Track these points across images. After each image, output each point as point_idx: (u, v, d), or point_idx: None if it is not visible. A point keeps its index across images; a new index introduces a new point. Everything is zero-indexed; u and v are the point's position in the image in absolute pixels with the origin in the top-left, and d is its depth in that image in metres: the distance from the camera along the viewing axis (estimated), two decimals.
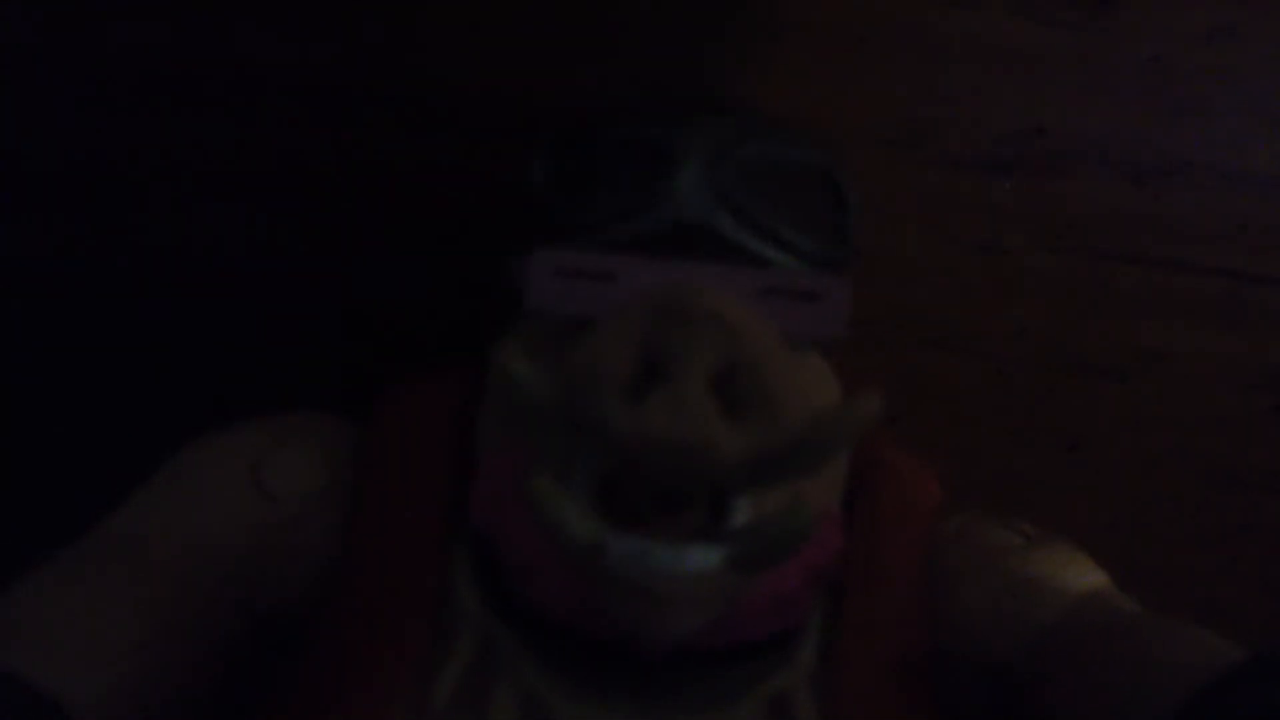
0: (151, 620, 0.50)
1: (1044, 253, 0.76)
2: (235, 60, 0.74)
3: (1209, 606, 0.80)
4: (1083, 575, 0.58)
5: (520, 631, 0.53)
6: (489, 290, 0.76)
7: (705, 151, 0.54)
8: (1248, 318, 0.76)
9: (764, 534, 0.46)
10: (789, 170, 0.56)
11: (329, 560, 0.57)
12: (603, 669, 0.52)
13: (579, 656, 0.52)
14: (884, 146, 0.74)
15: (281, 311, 0.79)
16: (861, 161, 0.74)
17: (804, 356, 0.55)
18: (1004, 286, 0.76)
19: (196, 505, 0.56)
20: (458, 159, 0.75)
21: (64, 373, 0.80)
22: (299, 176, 0.76)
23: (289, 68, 0.74)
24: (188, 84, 0.74)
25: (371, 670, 0.52)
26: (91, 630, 0.48)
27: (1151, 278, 0.76)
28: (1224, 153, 0.74)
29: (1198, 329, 0.77)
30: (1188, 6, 0.71)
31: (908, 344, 0.78)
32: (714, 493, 0.48)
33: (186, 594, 0.53)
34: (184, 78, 0.74)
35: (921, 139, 0.74)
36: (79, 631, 0.48)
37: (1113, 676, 0.48)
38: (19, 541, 0.62)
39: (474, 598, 0.54)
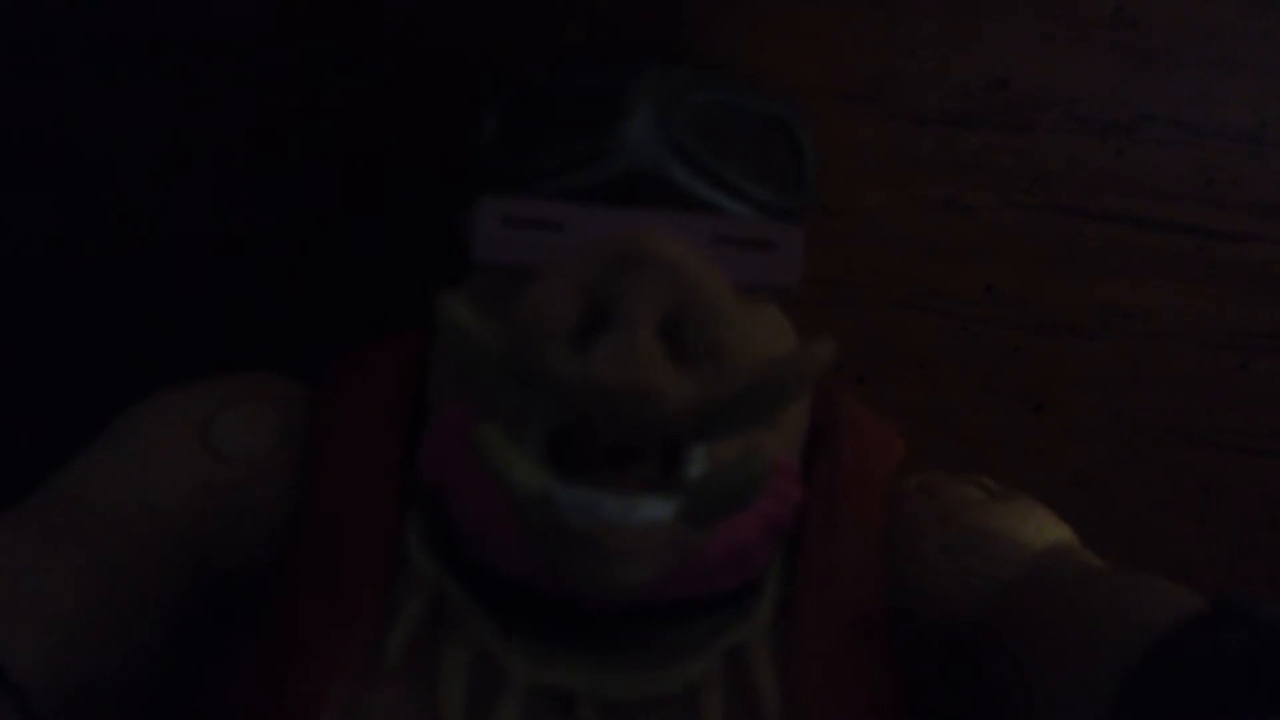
0: (98, 582, 0.49)
1: (1009, 209, 0.75)
2: (189, 26, 0.72)
3: (1177, 566, 0.79)
4: (1044, 530, 0.57)
5: (472, 589, 0.52)
6: (445, 252, 0.74)
7: (656, 99, 0.53)
8: (1215, 274, 0.76)
9: (716, 484, 0.45)
10: (743, 118, 0.55)
11: (281, 522, 0.56)
12: (555, 626, 0.51)
13: (531, 613, 0.51)
14: (846, 101, 0.73)
15: (237, 277, 0.78)
16: (824, 116, 0.73)
17: (759, 306, 0.54)
18: (969, 243, 0.76)
19: (144, 465, 0.55)
20: (421, 123, 0.74)
21: (30, 348, 0.79)
22: (255, 141, 0.75)
23: (245, 33, 0.72)
24: (141, 51, 0.73)
25: (323, 632, 0.52)
26: (35, 591, 0.47)
27: (1118, 234, 0.75)
28: (1191, 106, 0.73)
29: (1165, 286, 0.76)
30: None
31: (872, 302, 0.77)
32: (667, 446, 0.47)
33: (134, 555, 0.52)
34: (136, 43, 0.73)
35: (884, 93, 0.73)
36: (22, 592, 0.47)
37: (1073, 630, 0.47)
38: None
39: (426, 556, 0.53)
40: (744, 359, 0.44)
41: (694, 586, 0.51)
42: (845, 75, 0.73)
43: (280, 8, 0.72)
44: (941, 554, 0.56)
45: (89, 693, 0.48)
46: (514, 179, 0.53)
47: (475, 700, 0.50)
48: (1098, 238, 0.75)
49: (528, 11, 0.71)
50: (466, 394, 0.52)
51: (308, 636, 0.52)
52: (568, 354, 0.44)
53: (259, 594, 0.56)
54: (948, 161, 0.74)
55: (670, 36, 0.72)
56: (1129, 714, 0.40)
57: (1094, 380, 0.78)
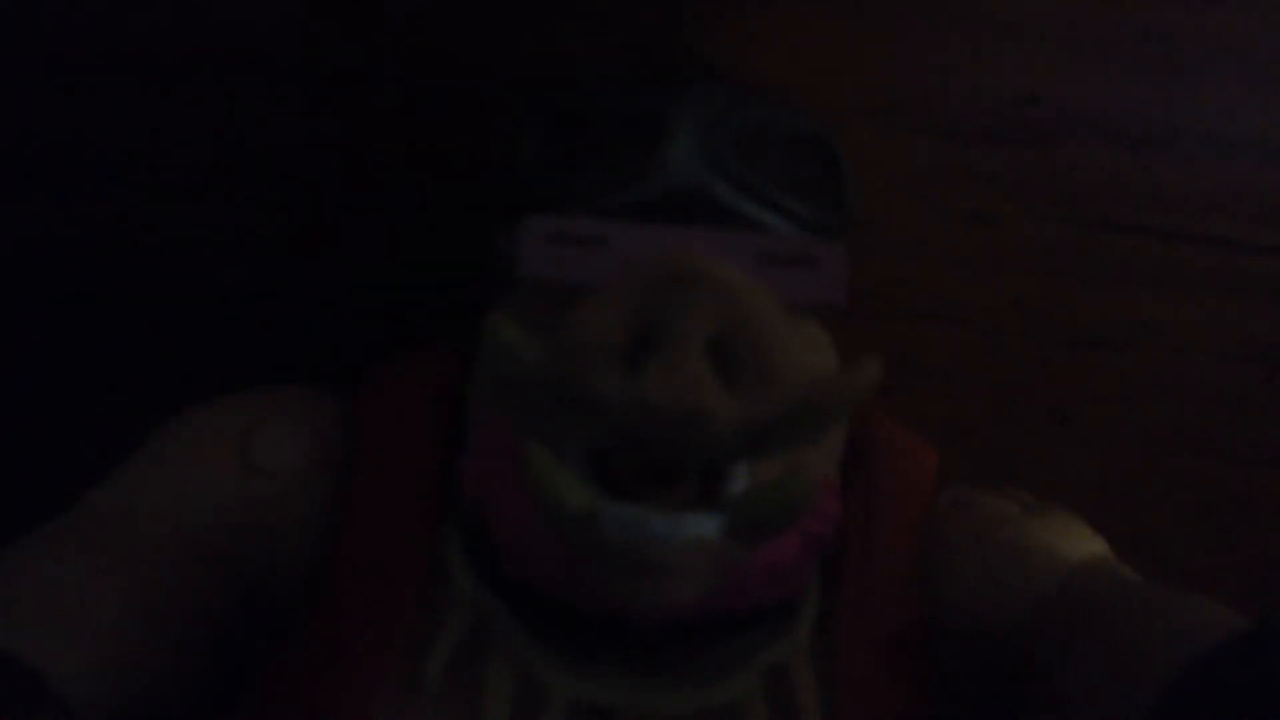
0: (137, 596, 0.49)
1: (1037, 222, 0.75)
2: (215, 39, 0.72)
3: (1201, 579, 0.80)
4: (1080, 544, 0.57)
5: (513, 607, 0.52)
6: (481, 269, 0.75)
7: (698, 119, 0.53)
8: (1242, 288, 0.76)
9: (763, 502, 0.45)
10: (783, 137, 0.55)
11: (318, 537, 0.56)
12: (597, 643, 0.52)
13: (573, 631, 0.52)
14: (875, 116, 0.73)
15: (267, 295, 0.78)
16: (853, 131, 0.73)
17: (802, 324, 0.55)
18: (996, 257, 0.76)
19: (182, 480, 0.55)
20: (446, 137, 0.74)
21: (34, 366, 0.79)
22: (283, 158, 0.75)
23: (273, 47, 0.73)
24: (164, 65, 0.73)
25: (363, 648, 0.52)
26: (75, 605, 0.47)
27: (1145, 247, 0.75)
28: (1218, 120, 0.73)
29: (1191, 299, 0.76)
30: None
31: (899, 315, 0.77)
32: (709, 465, 0.48)
33: (173, 570, 0.52)
34: (161, 58, 0.73)
35: (913, 108, 0.73)
36: (62, 606, 0.47)
37: (1111, 645, 0.47)
38: None
39: (466, 574, 0.53)
40: (791, 379, 0.44)
41: (735, 603, 0.51)
42: (875, 90, 0.73)
43: (298, 17, 0.72)
44: (978, 570, 0.56)
45: (129, 707, 0.48)
46: (556, 198, 0.54)
47: (517, 717, 0.51)
48: (1125, 251, 0.75)
49: (560, 25, 0.72)
50: (508, 411, 0.52)
51: (348, 652, 0.52)
52: (617, 375, 0.44)
53: (297, 609, 0.57)
54: (976, 175, 0.74)
55: (697, 53, 0.72)
56: None
57: (1120, 393, 0.78)
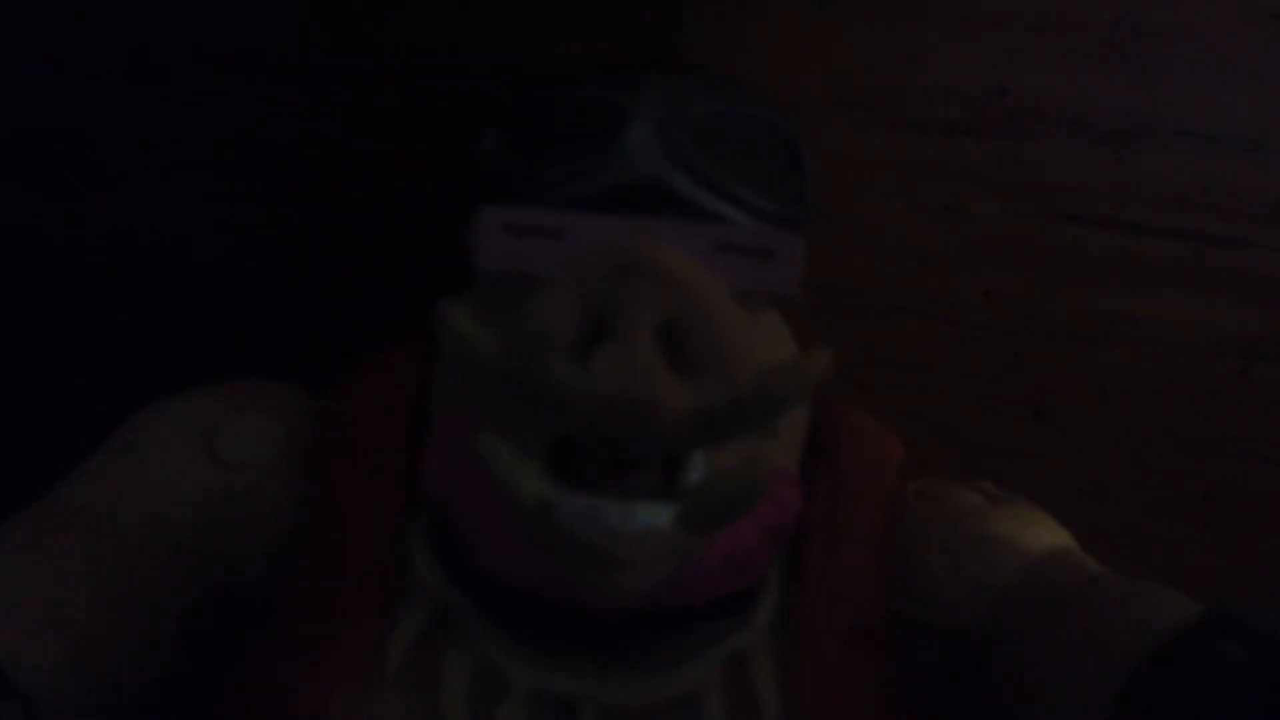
0: (104, 591, 0.50)
1: (1008, 216, 0.75)
2: (214, 39, 0.73)
3: (1178, 573, 0.79)
4: (1044, 535, 0.58)
5: (475, 598, 0.52)
6: (448, 261, 0.75)
7: (656, 109, 0.53)
8: (1214, 282, 0.76)
9: (715, 492, 0.45)
10: (743, 128, 0.55)
11: (285, 530, 0.56)
12: (557, 632, 0.52)
13: (533, 620, 0.52)
14: (846, 109, 0.73)
15: (267, 294, 0.78)
16: (823, 124, 0.73)
17: (759, 314, 0.55)
18: (969, 251, 0.76)
19: (149, 473, 0.55)
20: (444, 137, 0.74)
21: (39, 366, 0.79)
22: (282, 157, 0.75)
23: (273, 47, 0.73)
24: (156, 60, 0.73)
25: (325, 640, 0.52)
26: (41, 598, 0.47)
27: (1117, 241, 0.75)
28: (1189, 113, 0.73)
29: (1164, 293, 0.76)
30: None
31: (872, 310, 0.77)
32: (667, 453, 0.48)
33: (140, 563, 0.52)
34: (153, 53, 0.73)
35: (882, 101, 0.73)
36: (27, 600, 0.47)
37: (1072, 635, 0.48)
38: None
39: (429, 566, 0.53)
40: (743, 367, 0.45)
41: (693, 593, 0.51)
42: (845, 84, 0.73)
43: (297, 17, 0.73)
44: (942, 560, 0.56)
45: (96, 701, 0.49)
46: (517, 189, 0.54)
47: (477, 707, 0.51)
48: (1098, 245, 0.75)
49: (532, 23, 0.72)
50: (468, 403, 0.53)
51: (312, 644, 0.52)
52: (569, 364, 0.44)
53: (264, 601, 0.57)
54: (947, 169, 0.74)
55: (670, 46, 0.72)
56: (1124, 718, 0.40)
57: (1094, 387, 0.78)
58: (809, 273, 0.53)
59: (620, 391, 0.43)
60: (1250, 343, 0.76)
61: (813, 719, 0.52)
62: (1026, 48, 0.72)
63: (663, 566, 0.47)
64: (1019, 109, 0.73)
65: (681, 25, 0.72)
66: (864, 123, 0.74)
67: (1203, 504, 0.79)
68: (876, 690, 0.54)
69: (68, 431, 0.78)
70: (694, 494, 0.46)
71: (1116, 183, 0.75)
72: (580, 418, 0.44)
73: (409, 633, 0.52)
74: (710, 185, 0.52)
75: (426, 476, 0.53)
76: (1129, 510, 0.80)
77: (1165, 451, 0.79)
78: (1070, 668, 0.46)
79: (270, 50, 0.74)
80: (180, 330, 0.79)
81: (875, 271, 0.77)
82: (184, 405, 0.58)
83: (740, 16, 0.71)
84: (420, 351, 0.61)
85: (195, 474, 0.56)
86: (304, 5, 0.73)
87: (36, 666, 0.45)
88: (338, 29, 0.73)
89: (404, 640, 0.52)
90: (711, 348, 0.44)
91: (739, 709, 0.52)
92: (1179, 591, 0.48)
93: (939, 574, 0.56)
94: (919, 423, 0.78)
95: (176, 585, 0.54)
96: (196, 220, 0.77)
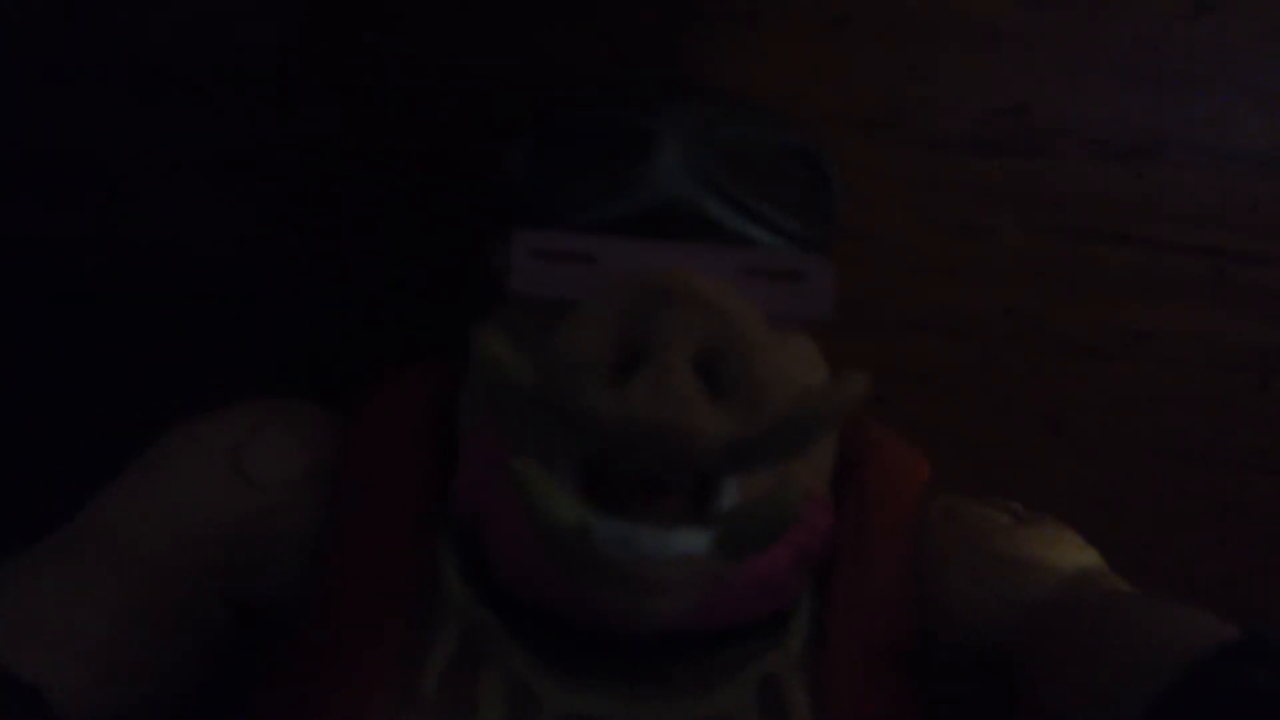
0: (132, 611, 0.50)
1: (1027, 233, 0.75)
2: (213, 49, 0.73)
3: (1195, 587, 0.79)
4: (1071, 554, 0.57)
5: (506, 619, 0.53)
6: (474, 280, 0.75)
7: (684, 132, 0.53)
8: (1232, 296, 0.76)
9: (751, 517, 0.45)
10: (770, 151, 0.55)
11: (311, 549, 0.57)
12: (590, 655, 0.52)
13: (566, 643, 0.52)
14: (865, 127, 0.73)
15: (264, 299, 0.78)
16: (842, 142, 0.73)
17: (790, 338, 0.55)
18: (987, 267, 0.76)
19: (176, 492, 0.55)
20: (442, 146, 0.74)
21: (39, 366, 0.79)
22: (280, 164, 0.76)
23: (271, 57, 0.73)
24: (163, 73, 0.73)
25: (356, 661, 0.52)
26: (70, 620, 0.48)
27: (1135, 257, 0.76)
28: (1208, 130, 0.73)
29: (1182, 308, 0.76)
30: None
31: (890, 326, 0.78)
32: (699, 477, 0.48)
33: (167, 583, 0.52)
34: (154, 61, 0.73)
35: (903, 119, 0.73)
36: (58, 622, 0.47)
37: (1100, 656, 0.47)
38: None
39: (460, 586, 0.54)
40: (778, 393, 0.45)
41: (725, 616, 0.51)
42: (863, 101, 0.73)
43: (295, 28, 0.73)
44: (968, 580, 0.56)
45: (124, 719, 0.49)
46: (544, 212, 0.54)
47: None
48: (1116, 261, 0.76)
49: (543, 33, 0.72)
50: (498, 425, 0.53)
51: (341, 665, 0.52)
52: (603, 390, 0.44)
53: (291, 622, 0.57)
54: (966, 186, 0.75)
55: (686, 65, 0.72)
56: None
57: (1112, 402, 0.78)
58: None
59: (657, 417, 0.43)
60: (1270, 356, 0.77)
61: None
62: (1046, 66, 0.72)
63: (697, 591, 0.47)
64: (1039, 127, 0.73)
65: (693, 44, 0.72)
66: (882, 140, 0.74)
67: (1220, 518, 0.79)
68: (906, 710, 0.54)
69: (68, 431, 0.78)
70: (729, 519, 0.46)
71: (1136, 199, 0.75)
72: (615, 443, 0.44)
73: (443, 654, 0.52)
74: (739, 208, 0.52)
75: (456, 499, 0.54)
76: (1145, 524, 0.80)
77: (1182, 465, 0.79)
78: (1098, 688, 0.46)
79: (268, 61, 0.74)
80: (180, 331, 0.79)
81: (893, 286, 0.77)
82: (210, 424, 0.58)
83: (756, 34, 0.72)
84: (443, 370, 0.61)
85: (221, 494, 0.56)
86: (302, 14, 0.73)
87: (64, 688, 0.45)
88: (334, 37, 0.73)
89: (439, 661, 0.52)
90: (747, 373, 0.44)
91: None
92: (1198, 607, 0.48)
93: (965, 593, 0.56)
94: (935, 436, 0.78)
95: (203, 605, 0.54)
96: (197, 223, 0.77)
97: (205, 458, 0.57)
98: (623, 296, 0.45)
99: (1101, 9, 0.72)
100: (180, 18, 0.73)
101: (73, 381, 0.80)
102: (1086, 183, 0.75)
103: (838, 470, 0.59)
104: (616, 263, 0.50)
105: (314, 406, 0.62)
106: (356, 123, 0.75)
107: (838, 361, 0.58)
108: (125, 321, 0.79)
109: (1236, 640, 0.40)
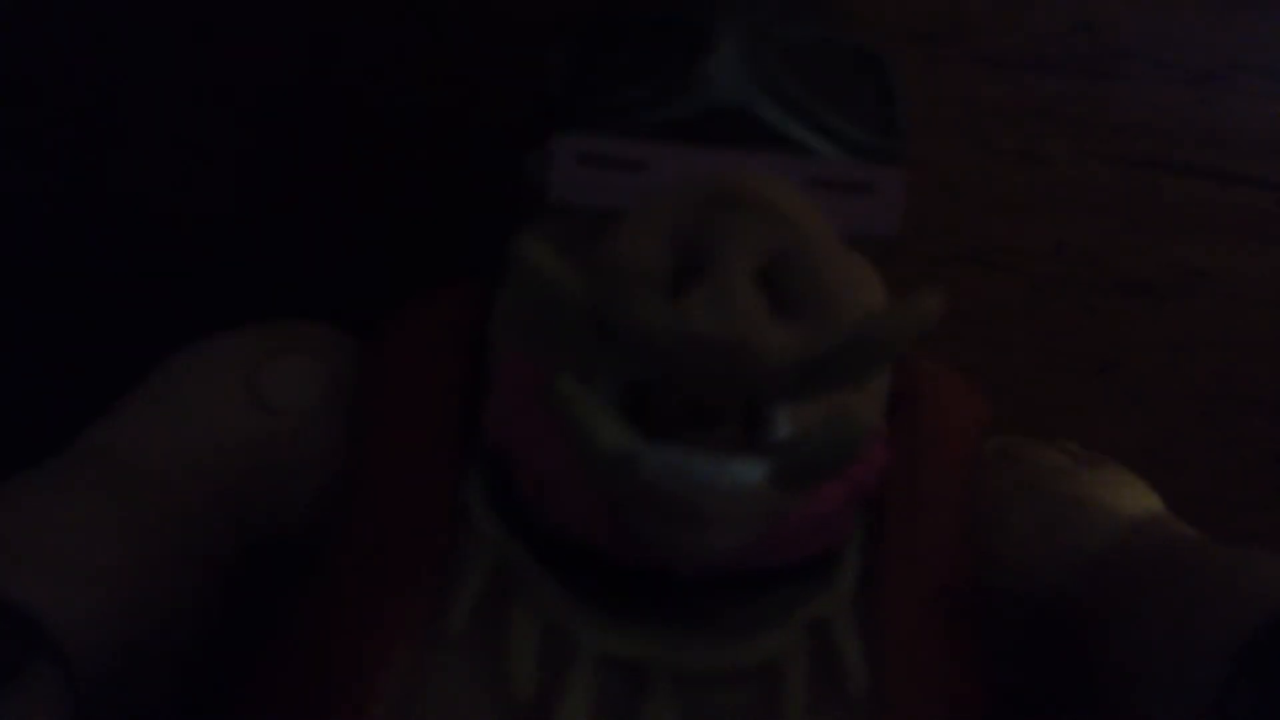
0: (139, 537, 0.47)
1: (1086, 161, 0.71)
2: None
3: (1246, 536, 0.77)
4: (1136, 498, 0.54)
5: (540, 555, 0.49)
6: (503, 195, 0.71)
7: (743, 31, 0.49)
8: None
9: (813, 447, 0.42)
10: (834, 54, 0.51)
11: (329, 480, 0.54)
12: (630, 595, 0.48)
13: (604, 581, 0.49)
14: (920, 41, 0.69)
15: (263, 228, 0.75)
16: (897, 56, 0.69)
17: (855, 257, 0.51)
18: (1041, 198, 0.72)
19: (187, 416, 0.52)
20: (465, 58, 0.71)
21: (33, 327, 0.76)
22: (281, 89, 0.72)
23: None
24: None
25: (378, 599, 0.49)
26: (73, 546, 0.45)
27: (1199, 189, 0.72)
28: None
29: (1246, 245, 0.73)
30: None
31: (937, 258, 0.74)
32: (749, 406, 0.44)
33: (175, 509, 0.49)
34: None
35: (957, 35, 0.69)
36: (59, 547, 0.44)
37: (1175, 606, 0.44)
38: None
39: (490, 520, 0.50)
40: (849, 312, 0.41)
41: (774, 555, 0.48)
42: (917, 14, 0.69)
43: None
44: (1029, 524, 0.53)
45: (130, 654, 0.46)
46: (586, 115, 0.50)
47: (544, 671, 0.48)
48: (1178, 194, 0.72)
49: None
50: (537, 345, 0.49)
51: (364, 602, 0.49)
52: (660, 303, 0.41)
53: (309, 555, 0.54)
54: (1023, 109, 0.71)
55: None
56: (1239, 692, 0.38)
57: (1166, 343, 0.75)
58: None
59: (717, 334, 0.39)
60: None
61: (899, 689, 0.49)
62: None
63: (751, 525, 0.43)
64: (1103, 47, 0.69)
65: None
66: (935, 57, 0.70)
67: (1274, 466, 0.76)
68: (962, 659, 0.51)
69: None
70: (789, 450, 0.42)
71: (1200, 127, 0.71)
72: (671, 362, 0.41)
73: (472, 591, 0.49)
74: (800, 114, 0.48)
75: (489, 425, 0.50)
76: (1197, 471, 0.77)
77: (1236, 411, 0.76)
78: (1175, 641, 0.43)
79: None
80: (186, 300, 0.75)
81: (942, 216, 0.73)
82: (223, 346, 0.55)
83: None
84: (472, 292, 0.58)
85: (236, 418, 0.53)
86: None
87: (66, 616, 0.42)
88: None
89: (466, 599, 0.49)
90: (817, 290, 0.41)
91: (822, 677, 0.49)
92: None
93: (1026, 539, 0.53)
94: (981, 375, 0.75)
95: (215, 535, 0.51)
96: (199, 147, 0.73)
97: (218, 379, 0.54)
98: (683, 202, 0.41)
99: None
100: None
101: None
102: (1151, 109, 0.71)
103: (889, 405, 0.56)
104: (669, 170, 0.46)
105: (332, 330, 0.58)
106: (373, 42, 0.70)
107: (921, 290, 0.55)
108: (133, 293, 0.75)
109: None
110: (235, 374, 0.54)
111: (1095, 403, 0.76)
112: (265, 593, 0.56)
